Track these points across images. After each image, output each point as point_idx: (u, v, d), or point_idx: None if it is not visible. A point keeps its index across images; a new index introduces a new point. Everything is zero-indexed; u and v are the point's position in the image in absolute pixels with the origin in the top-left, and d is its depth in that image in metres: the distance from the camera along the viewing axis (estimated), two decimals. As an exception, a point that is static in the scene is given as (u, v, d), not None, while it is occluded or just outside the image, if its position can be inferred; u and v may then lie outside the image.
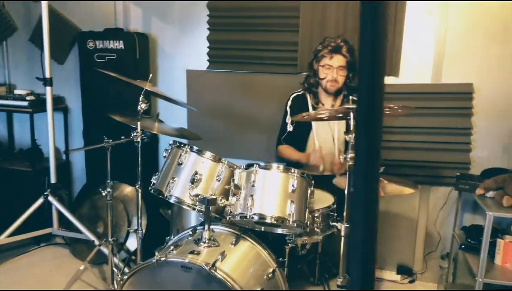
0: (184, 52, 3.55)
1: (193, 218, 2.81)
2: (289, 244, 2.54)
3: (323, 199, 2.60)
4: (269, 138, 3.44)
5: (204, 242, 2.20)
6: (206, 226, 2.21)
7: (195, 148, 2.40)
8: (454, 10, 3.03)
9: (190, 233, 2.36)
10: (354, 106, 2.08)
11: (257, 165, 2.23)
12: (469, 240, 2.85)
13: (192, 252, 2.14)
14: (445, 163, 3.17)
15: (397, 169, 3.14)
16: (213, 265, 2.02)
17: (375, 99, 0.55)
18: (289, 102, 3.07)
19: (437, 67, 3.12)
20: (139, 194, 2.59)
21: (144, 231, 3.41)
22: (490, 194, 2.66)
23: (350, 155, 2.06)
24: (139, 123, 2.48)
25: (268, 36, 3.31)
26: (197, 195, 2.26)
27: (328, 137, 2.95)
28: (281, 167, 2.25)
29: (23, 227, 3.28)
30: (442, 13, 3.05)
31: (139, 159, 2.56)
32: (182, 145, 2.44)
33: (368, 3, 0.53)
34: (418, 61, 3.14)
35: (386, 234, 3.37)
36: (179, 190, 2.36)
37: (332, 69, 2.83)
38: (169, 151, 2.50)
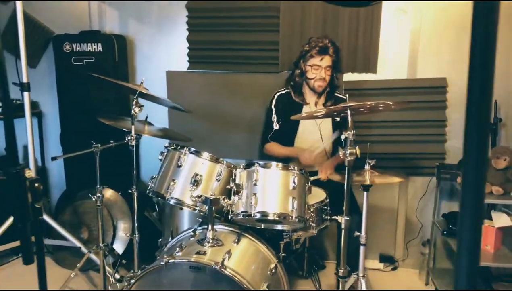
0: (163, 53, 3.54)
1: (186, 219, 2.83)
2: (285, 240, 2.61)
3: (315, 194, 2.66)
4: (252, 137, 3.50)
5: (208, 242, 2.23)
6: (210, 226, 2.24)
7: (192, 149, 2.42)
8: (426, 7, 3.18)
9: (192, 234, 2.38)
10: (352, 104, 2.16)
11: (258, 164, 2.28)
12: (450, 226, 3.00)
13: (198, 253, 2.16)
14: (422, 153, 3.33)
15: (376, 161, 3.26)
16: (222, 263, 2.06)
17: (485, 103, 0.61)
18: (274, 101, 3.13)
19: (412, 63, 3.26)
20: (135, 198, 2.57)
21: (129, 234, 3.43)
22: (470, 181, 2.82)
23: (349, 150, 2.14)
24: (133, 127, 2.47)
25: (248, 36, 3.35)
26: (199, 196, 2.29)
27: (316, 136, 3.04)
28: (280, 164, 2.31)
29: (2, 238, 3.18)
30: (415, 10, 3.19)
31: (134, 163, 2.54)
32: (179, 147, 2.45)
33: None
34: (394, 57, 3.28)
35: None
36: (178, 191, 2.38)
37: (321, 69, 2.93)
38: (166, 153, 2.50)
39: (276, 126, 3.12)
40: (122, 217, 3.47)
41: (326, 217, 2.54)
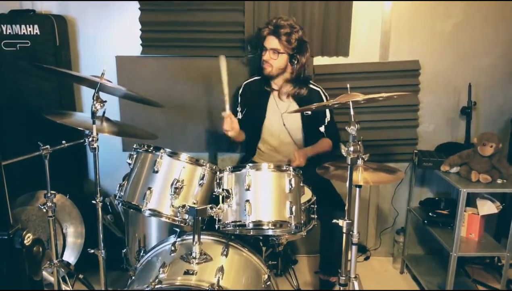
0: (111, 36, 3.10)
1: (153, 225, 2.51)
2: (271, 243, 2.40)
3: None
4: (214, 128, 3.20)
5: (195, 258, 1.95)
6: (196, 240, 1.95)
7: (168, 150, 2.10)
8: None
9: (171, 248, 2.08)
10: (361, 98, 1.94)
11: (248, 166, 2.01)
12: (430, 214, 2.92)
13: (187, 273, 1.88)
14: (395, 140, 3.22)
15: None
16: (218, 284, 1.80)
17: None
18: (241, 90, 2.92)
19: (384, 46, 3.11)
20: (99, 208, 2.20)
21: (83, 241, 3.04)
22: (454, 169, 2.74)
23: (352, 147, 1.93)
24: (94, 126, 2.09)
25: (209, 16, 3.01)
26: (182, 206, 1.98)
27: (280, 127, 2.82)
28: (272, 165, 2.06)
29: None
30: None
31: (97, 168, 2.17)
32: (152, 149, 2.12)
33: None
34: (366, 40, 3.10)
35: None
36: (155, 201, 2.06)
37: (270, 53, 2.71)
38: (136, 156, 2.16)
39: (239, 115, 2.87)
40: (72, 222, 3.07)
41: (313, 216, 2.34)
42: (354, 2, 2.99)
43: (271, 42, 2.70)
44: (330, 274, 2.70)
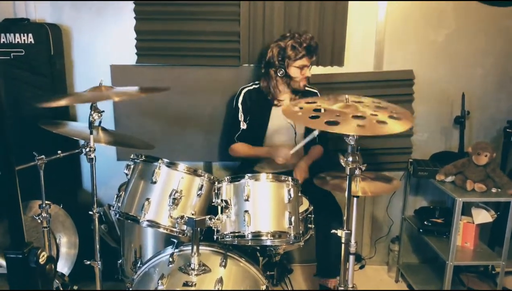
0: (106, 45, 3.08)
1: (149, 235, 2.49)
2: (269, 253, 2.40)
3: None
4: (210, 137, 3.20)
5: (194, 269, 1.94)
6: (195, 251, 1.94)
7: (166, 161, 2.09)
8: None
9: (170, 259, 2.06)
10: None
11: (247, 176, 2.01)
12: (425, 222, 2.93)
13: (186, 284, 1.87)
14: (389, 149, 3.23)
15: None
16: (217, 295, 1.79)
17: None
18: (241, 98, 2.86)
19: (378, 55, 3.13)
20: (96, 219, 2.19)
21: (77, 251, 3.01)
22: (449, 178, 2.76)
23: (351, 157, 1.94)
24: (91, 136, 2.08)
25: (205, 26, 3.01)
26: (181, 217, 1.97)
27: (289, 135, 2.82)
28: (271, 175, 2.06)
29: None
30: (381, 2, 3.05)
31: (94, 178, 2.15)
32: (150, 159, 2.11)
33: None
34: (360, 50, 3.12)
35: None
36: (153, 211, 2.04)
37: (306, 69, 2.73)
38: (133, 166, 2.14)
39: (243, 125, 2.85)
40: (65, 232, 3.03)
41: (310, 226, 2.34)
42: (348, 13, 3.02)
43: (310, 60, 2.74)
44: (328, 276, 2.70)
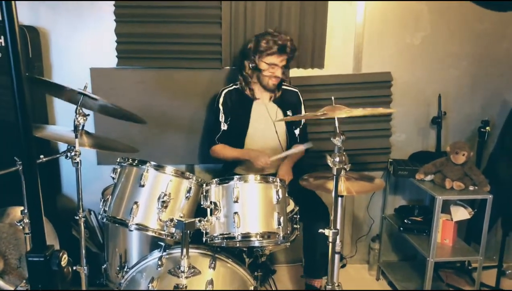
0: (85, 48, 3.04)
1: (135, 239, 2.47)
2: (256, 254, 2.42)
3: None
4: (192, 140, 3.20)
5: (184, 272, 1.94)
6: (185, 254, 1.94)
7: (154, 164, 2.08)
8: (370, 2, 3.11)
9: (159, 263, 2.05)
10: (344, 112, 1.99)
11: (236, 178, 2.02)
12: (405, 220, 3.00)
13: (177, 287, 1.87)
14: (368, 149, 3.30)
15: (324, 159, 3.16)
16: (209, 297, 1.80)
17: None
18: (221, 99, 2.87)
19: (357, 58, 3.19)
20: (82, 224, 2.16)
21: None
22: (429, 177, 2.83)
23: (337, 158, 1.98)
24: (77, 140, 2.05)
25: (187, 28, 3.01)
26: (170, 220, 1.97)
27: (270, 135, 2.84)
28: (259, 177, 2.07)
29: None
30: (360, 4, 3.11)
31: (80, 183, 2.13)
32: (136, 162, 2.10)
33: None
34: (340, 53, 3.18)
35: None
36: (141, 215, 2.03)
37: (277, 68, 2.74)
38: (120, 170, 2.13)
39: (224, 126, 2.86)
40: (46, 239, 2.97)
41: (296, 226, 2.37)
42: (328, 17, 3.06)
43: (283, 59, 2.75)
44: (315, 277, 2.73)
